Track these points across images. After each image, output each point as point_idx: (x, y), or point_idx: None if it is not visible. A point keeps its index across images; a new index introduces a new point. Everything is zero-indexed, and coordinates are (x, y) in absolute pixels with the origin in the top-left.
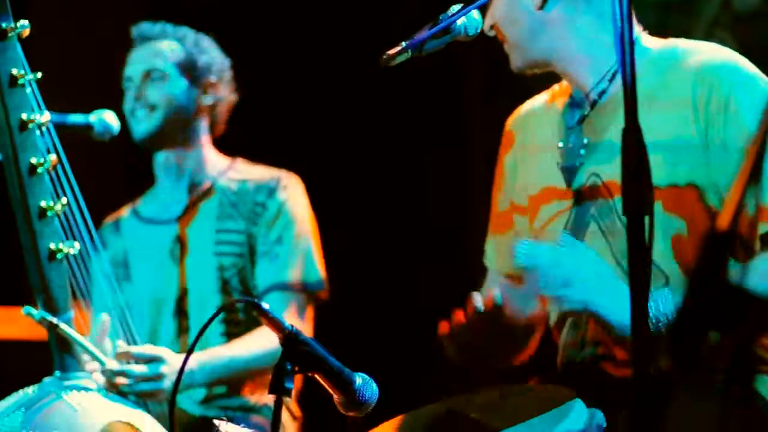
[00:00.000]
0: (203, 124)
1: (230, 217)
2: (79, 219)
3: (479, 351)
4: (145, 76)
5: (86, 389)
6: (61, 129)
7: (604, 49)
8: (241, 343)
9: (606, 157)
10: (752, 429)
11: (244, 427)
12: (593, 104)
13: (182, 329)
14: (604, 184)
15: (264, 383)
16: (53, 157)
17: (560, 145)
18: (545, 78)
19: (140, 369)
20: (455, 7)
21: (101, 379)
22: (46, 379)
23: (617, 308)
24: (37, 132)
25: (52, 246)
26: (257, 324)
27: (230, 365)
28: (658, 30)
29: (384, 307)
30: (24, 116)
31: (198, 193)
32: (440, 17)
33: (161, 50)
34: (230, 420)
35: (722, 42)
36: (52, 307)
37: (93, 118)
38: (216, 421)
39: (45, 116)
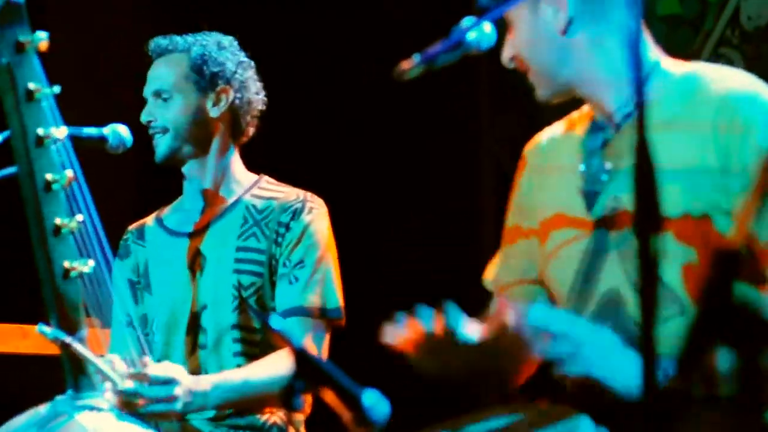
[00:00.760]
0: (223, 132)
1: (253, 235)
2: (93, 236)
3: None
4: (155, 96)
5: (99, 409)
6: (76, 142)
7: (629, 71)
8: (256, 367)
9: (628, 183)
10: None
11: None
12: (617, 127)
13: (196, 346)
14: (624, 211)
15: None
16: (69, 172)
17: (582, 168)
18: None
19: (154, 390)
20: (468, 20)
21: (114, 399)
22: (59, 398)
23: (623, 376)
24: (53, 147)
25: (67, 264)
26: (275, 345)
27: (243, 389)
28: (665, 47)
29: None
30: (41, 131)
31: (221, 208)
32: (452, 30)
33: (167, 67)
34: None
35: (729, 60)
36: (66, 326)
37: (107, 130)
38: None
39: (62, 131)
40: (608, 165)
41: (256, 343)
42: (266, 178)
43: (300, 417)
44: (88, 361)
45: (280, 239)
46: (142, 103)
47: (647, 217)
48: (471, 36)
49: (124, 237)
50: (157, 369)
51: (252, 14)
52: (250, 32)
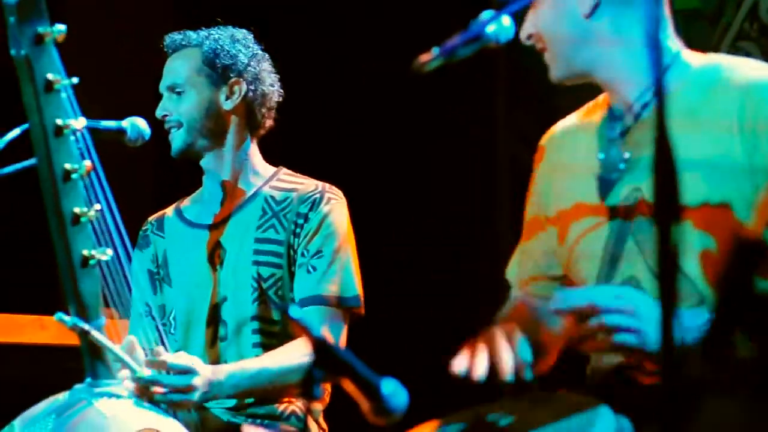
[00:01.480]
0: (238, 125)
1: (272, 227)
2: (111, 225)
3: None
4: (170, 91)
5: (117, 396)
6: (95, 135)
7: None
8: (272, 356)
9: (647, 172)
10: None
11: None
12: (636, 116)
13: (215, 338)
14: (644, 200)
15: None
16: (87, 162)
17: (600, 156)
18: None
19: (173, 379)
20: (487, 14)
21: (132, 386)
22: (77, 386)
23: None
24: (72, 138)
25: (85, 252)
26: (294, 336)
27: (258, 377)
28: (683, 41)
29: (414, 314)
30: (59, 121)
31: (240, 200)
32: (471, 23)
33: (180, 62)
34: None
35: (747, 53)
36: (84, 314)
37: (125, 123)
38: (244, 427)
39: (80, 122)
40: (626, 154)
41: (274, 334)
42: (285, 170)
43: (319, 406)
44: (107, 348)
45: (298, 230)
46: (161, 98)
47: (667, 207)
48: (490, 29)
49: (144, 227)
50: (174, 358)
51: (272, 8)
52: (270, 27)
